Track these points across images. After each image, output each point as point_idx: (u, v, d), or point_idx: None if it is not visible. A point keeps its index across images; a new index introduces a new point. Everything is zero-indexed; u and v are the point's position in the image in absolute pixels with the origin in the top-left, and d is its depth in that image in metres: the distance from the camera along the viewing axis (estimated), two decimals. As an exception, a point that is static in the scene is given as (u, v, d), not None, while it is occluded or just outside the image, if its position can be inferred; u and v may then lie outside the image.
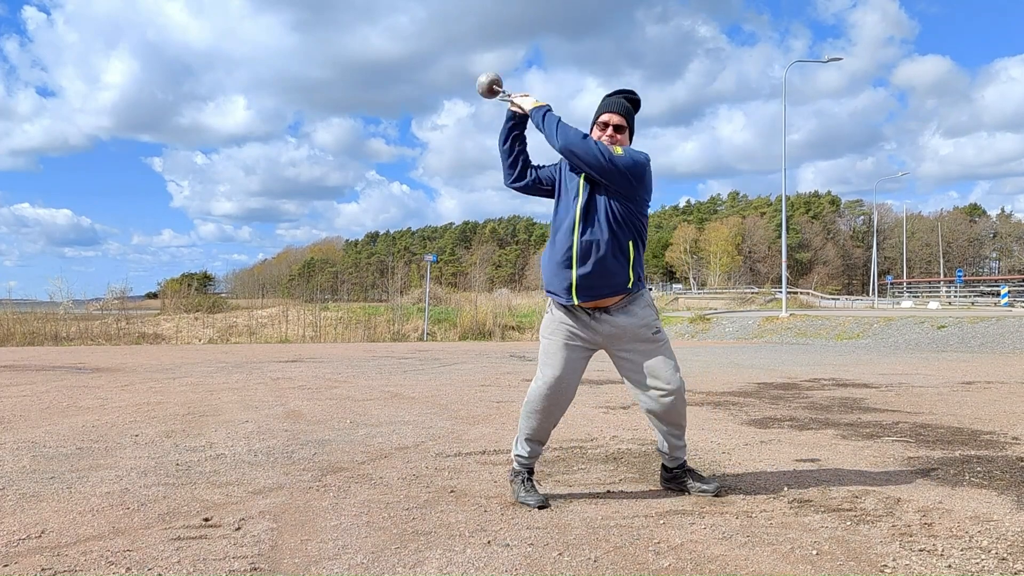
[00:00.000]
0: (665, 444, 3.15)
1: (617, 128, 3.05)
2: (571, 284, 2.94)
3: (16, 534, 2.63)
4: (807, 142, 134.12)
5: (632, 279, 3.00)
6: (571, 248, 2.94)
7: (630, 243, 2.99)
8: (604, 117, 3.06)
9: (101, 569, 2.29)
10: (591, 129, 3.10)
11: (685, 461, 3.21)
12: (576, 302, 2.95)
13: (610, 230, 2.94)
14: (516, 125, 3.21)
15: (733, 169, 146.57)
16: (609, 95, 3.17)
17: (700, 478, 3.21)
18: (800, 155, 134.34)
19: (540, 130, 3.05)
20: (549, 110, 3.05)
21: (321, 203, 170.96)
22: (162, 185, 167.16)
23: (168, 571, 2.27)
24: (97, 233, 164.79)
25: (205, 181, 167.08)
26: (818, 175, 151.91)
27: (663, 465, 3.26)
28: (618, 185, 2.94)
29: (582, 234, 2.93)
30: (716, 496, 3.11)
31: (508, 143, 3.20)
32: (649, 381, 3.01)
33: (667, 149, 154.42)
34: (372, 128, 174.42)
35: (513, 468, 3.14)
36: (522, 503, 2.99)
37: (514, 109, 3.18)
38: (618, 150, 2.96)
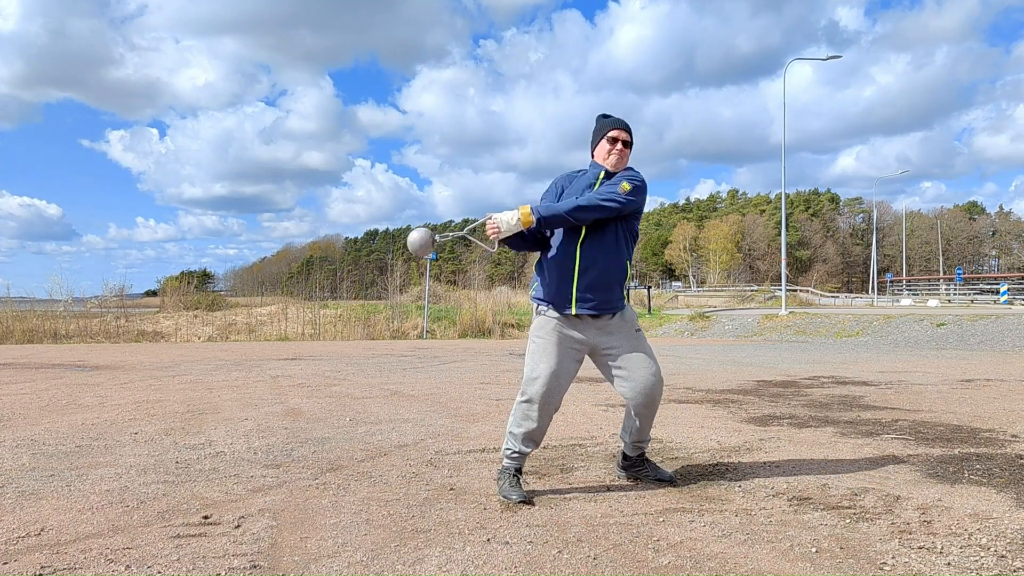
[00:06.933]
0: (636, 433, 3.28)
1: (625, 143, 3.20)
2: (571, 297, 3.08)
3: (15, 532, 2.63)
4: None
5: (623, 297, 3.23)
6: (574, 263, 3.07)
7: (627, 263, 3.19)
8: (613, 133, 3.19)
9: (100, 567, 2.29)
10: (599, 143, 3.20)
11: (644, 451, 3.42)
12: (574, 312, 3.08)
13: (615, 250, 3.10)
14: (516, 240, 3.12)
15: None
16: (606, 116, 3.30)
17: (659, 469, 3.42)
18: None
19: (550, 227, 3.06)
20: (538, 208, 3.01)
21: (320, 189, 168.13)
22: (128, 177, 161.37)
23: (168, 569, 2.27)
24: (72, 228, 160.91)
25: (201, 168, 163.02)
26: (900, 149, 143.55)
27: (624, 454, 3.42)
28: (629, 210, 3.10)
29: (584, 251, 3.07)
30: (674, 485, 3.31)
31: (530, 246, 3.20)
32: (641, 369, 3.15)
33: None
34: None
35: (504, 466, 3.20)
36: (506, 497, 3.05)
37: (499, 237, 3.03)
38: (625, 186, 3.08)
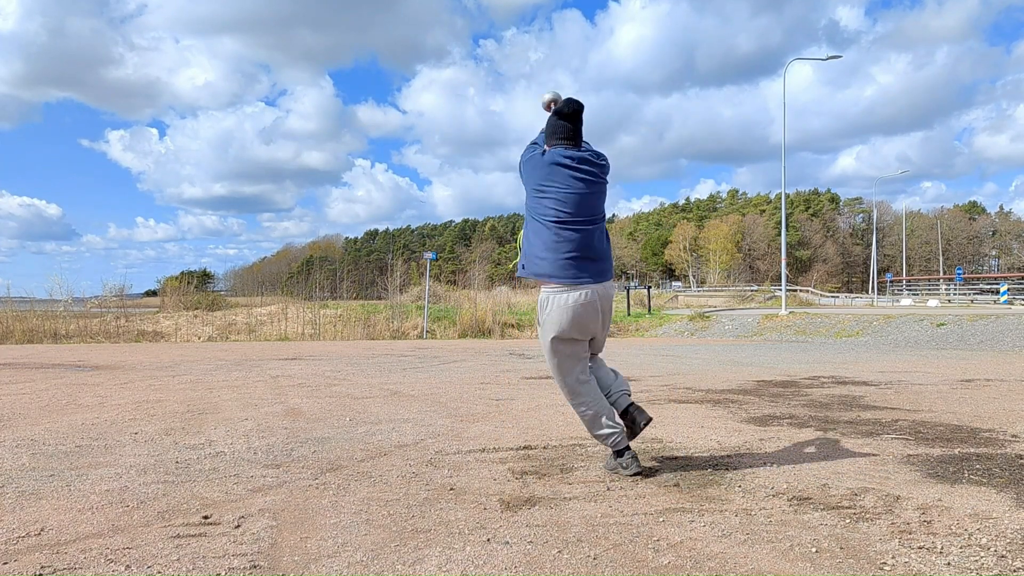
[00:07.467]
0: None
1: None
2: None
3: (15, 532, 2.63)
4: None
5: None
6: None
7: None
8: None
9: (100, 567, 2.29)
10: None
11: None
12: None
13: None
14: None
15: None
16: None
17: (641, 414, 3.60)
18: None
19: None
20: None
21: (319, 190, 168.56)
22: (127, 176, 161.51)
23: (167, 569, 2.27)
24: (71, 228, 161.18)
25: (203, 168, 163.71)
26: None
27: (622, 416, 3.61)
28: None
29: None
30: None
31: None
32: None
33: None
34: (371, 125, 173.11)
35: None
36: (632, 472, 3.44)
37: None
38: None
